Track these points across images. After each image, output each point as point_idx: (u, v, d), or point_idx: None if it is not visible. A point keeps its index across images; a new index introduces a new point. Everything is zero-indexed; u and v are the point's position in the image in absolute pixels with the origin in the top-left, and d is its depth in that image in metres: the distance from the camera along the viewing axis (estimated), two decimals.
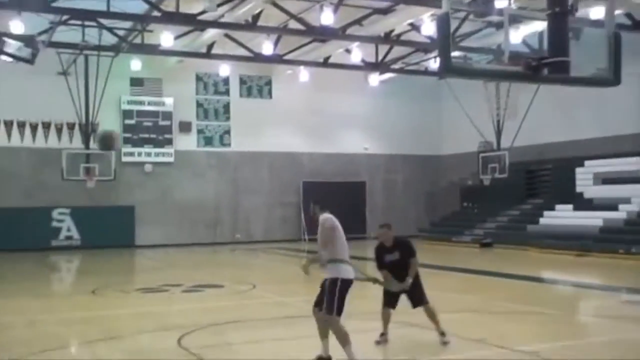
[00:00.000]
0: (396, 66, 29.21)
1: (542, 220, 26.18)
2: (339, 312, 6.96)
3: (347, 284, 7.06)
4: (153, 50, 24.60)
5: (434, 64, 27.78)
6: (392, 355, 8.63)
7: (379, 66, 28.74)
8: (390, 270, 9.09)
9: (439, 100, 34.04)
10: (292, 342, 9.48)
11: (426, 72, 29.62)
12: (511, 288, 15.52)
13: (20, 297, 14.48)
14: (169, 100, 29.79)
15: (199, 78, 30.59)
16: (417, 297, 9.05)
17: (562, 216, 25.44)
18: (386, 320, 9.19)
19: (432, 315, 9.07)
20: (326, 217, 7.57)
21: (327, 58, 27.30)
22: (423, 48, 26.56)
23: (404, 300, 9.18)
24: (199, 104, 30.63)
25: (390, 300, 9.12)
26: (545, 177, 29.19)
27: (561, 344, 9.25)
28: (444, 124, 34.57)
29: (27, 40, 20.63)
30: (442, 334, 9.01)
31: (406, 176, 34.37)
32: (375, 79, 31.41)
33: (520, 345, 8.83)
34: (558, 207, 26.19)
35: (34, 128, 27.54)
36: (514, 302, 12.79)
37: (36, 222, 26.89)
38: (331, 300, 6.88)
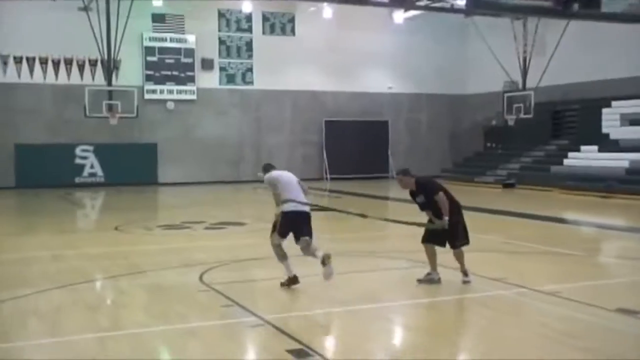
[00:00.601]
0: (422, 3, 28.61)
1: (566, 162, 25.88)
2: (280, 233, 8.89)
3: (288, 215, 8.88)
4: None
5: (460, 0, 27.12)
6: (411, 294, 8.64)
7: (404, 3, 28.19)
8: (428, 211, 9.17)
9: (464, 39, 33.43)
10: (311, 279, 9.52)
11: (452, 10, 28.96)
12: (533, 228, 15.46)
13: (44, 232, 14.69)
14: (191, 38, 29.53)
15: (221, 15, 30.21)
16: (448, 239, 9.00)
17: (587, 157, 25.12)
18: (429, 258, 9.13)
19: (458, 256, 9.06)
20: (266, 177, 9.39)
21: None
22: None
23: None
24: (221, 41, 30.32)
25: (428, 237, 9.13)
26: (571, 117, 28.74)
27: (582, 284, 9.20)
28: (468, 63, 33.98)
29: None
30: (465, 273, 9.01)
31: (430, 116, 34.05)
32: (400, 16, 30.85)
33: (540, 285, 8.80)
34: (583, 148, 25.83)
35: (56, 64, 27.51)
36: (535, 243, 12.73)
37: (60, 158, 27.14)
38: (278, 225, 8.91)
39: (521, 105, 26.89)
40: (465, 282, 8.95)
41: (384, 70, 32.93)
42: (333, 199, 23.72)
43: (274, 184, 9.19)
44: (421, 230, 9.30)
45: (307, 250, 8.88)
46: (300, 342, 6.42)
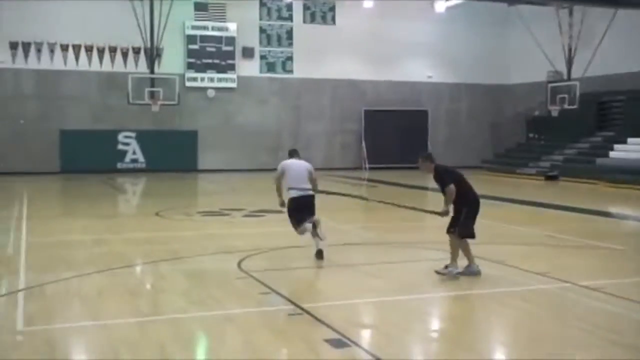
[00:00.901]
0: None
1: (612, 154, 25.39)
2: (297, 223, 10.04)
3: (293, 201, 10.06)
4: None
5: None
6: (449, 286, 8.56)
7: None
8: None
9: (506, 28, 32.95)
10: (350, 268, 9.52)
11: None
12: (578, 222, 15.19)
13: (87, 217, 14.92)
14: (232, 26, 29.64)
15: (262, 3, 30.25)
16: (449, 224, 8.90)
17: (634, 150, 24.58)
18: (451, 248, 8.92)
19: (451, 244, 8.87)
20: (280, 164, 10.54)
21: None
22: None
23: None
24: (262, 30, 30.37)
25: (448, 227, 8.97)
26: (618, 109, 28.15)
27: (628, 281, 9.00)
28: (511, 53, 33.47)
29: None
30: (446, 266, 8.81)
31: (470, 106, 33.68)
32: (441, 5, 30.56)
33: (584, 280, 8.64)
34: (630, 140, 25.29)
35: (100, 52, 27.89)
36: (580, 237, 12.50)
37: (103, 144, 27.56)
38: (290, 216, 10.14)
39: (565, 95, 26.42)
40: (438, 273, 8.76)
41: (424, 59, 32.65)
42: (370, 188, 23.67)
43: (282, 171, 10.28)
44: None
45: (316, 227, 9.83)
46: (337, 332, 6.41)
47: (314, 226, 9.80)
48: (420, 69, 32.59)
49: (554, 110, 27.37)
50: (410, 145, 31.73)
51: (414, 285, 8.58)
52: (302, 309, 7.19)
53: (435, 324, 7.22)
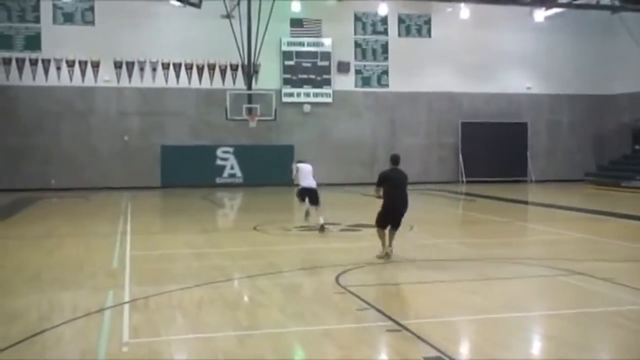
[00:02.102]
0: (564, 0, 27.46)
1: None
2: (301, 198, 15.50)
3: (300, 190, 15.36)
4: None
5: None
6: (553, 305, 8.24)
7: (546, 1, 27.17)
8: None
9: (609, 36, 31.75)
10: (449, 285, 9.32)
11: (597, 6, 27.68)
12: None
13: (188, 231, 15.29)
14: (327, 41, 29.89)
15: (357, 18, 30.38)
16: None
17: None
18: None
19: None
20: (298, 164, 15.75)
21: None
22: None
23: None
24: (357, 44, 30.49)
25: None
26: None
27: None
28: (614, 61, 32.19)
29: None
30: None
31: (572, 117, 32.59)
32: (540, 14, 29.79)
33: None
34: None
35: (200, 69, 28.70)
36: None
37: (202, 159, 28.25)
38: (298, 195, 15.47)
39: None
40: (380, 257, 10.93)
41: (522, 70, 31.88)
42: (468, 202, 23.23)
43: (298, 170, 15.52)
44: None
45: (317, 213, 14.87)
46: (438, 350, 6.27)
47: (322, 228, 14.43)
48: (518, 80, 31.83)
49: None
50: (509, 158, 31.10)
51: (515, 303, 8.31)
52: (400, 325, 7.08)
53: (538, 344, 6.95)
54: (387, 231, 11.12)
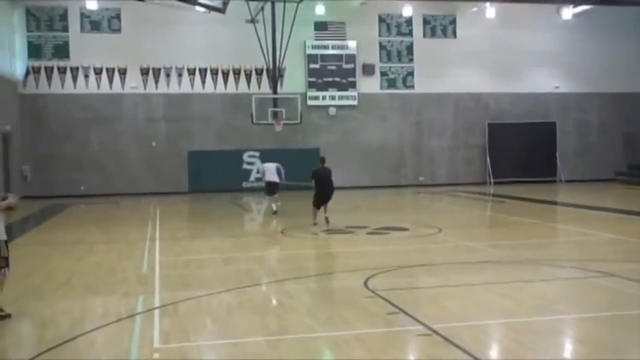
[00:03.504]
0: None
1: None
2: (265, 191, 19.63)
3: (265, 183, 19.44)
4: None
5: None
6: (587, 307, 8.12)
7: None
8: None
9: (639, 32, 31.28)
10: (480, 288, 9.22)
11: (627, 2, 27.24)
12: None
13: (216, 236, 15.35)
14: (352, 44, 29.86)
15: (381, 20, 30.32)
16: None
17: None
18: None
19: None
20: (261, 167, 20.16)
21: None
22: None
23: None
24: (381, 46, 30.42)
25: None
26: None
27: None
28: None
29: None
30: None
31: (602, 116, 32.16)
32: (568, 12, 29.52)
33: None
34: None
35: (225, 74, 28.83)
36: None
37: (228, 164, 28.34)
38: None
39: None
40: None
41: (550, 69, 31.54)
42: (496, 204, 23.03)
43: (264, 169, 19.81)
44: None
45: (276, 201, 18.95)
46: (469, 354, 6.20)
47: (275, 212, 18.94)
48: (546, 80, 31.51)
49: None
50: (537, 158, 30.79)
51: (547, 305, 8.19)
52: (431, 329, 7.02)
53: (571, 347, 6.84)
54: (321, 209, 16.41)
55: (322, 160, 17.74)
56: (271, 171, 19.40)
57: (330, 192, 16.59)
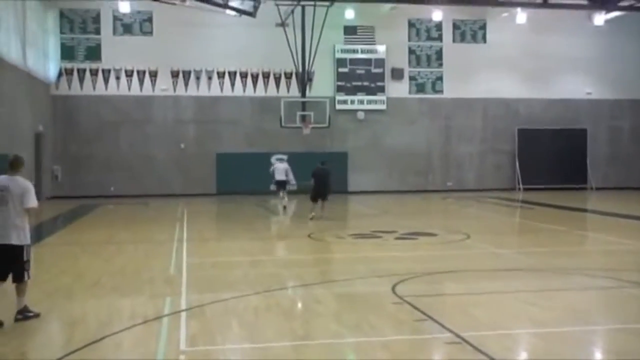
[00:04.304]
0: (625, 3, 26.82)
1: None
2: (275, 187, 22.74)
3: (274, 182, 22.17)
4: None
5: None
6: (620, 318, 7.96)
7: (605, 4, 26.58)
8: None
9: None
10: (509, 296, 9.11)
11: None
12: None
13: (244, 239, 15.37)
14: (381, 48, 29.80)
15: (411, 24, 30.23)
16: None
17: None
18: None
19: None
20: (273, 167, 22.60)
21: None
22: None
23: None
24: (411, 51, 30.32)
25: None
26: None
27: None
28: None
29: None
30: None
31: (634, 123, 31.73)
32: (600, 18, 29.14)
33: None
34: None
35: (254, 78, 28.93)
36: None
37: (257, 167, 28.32)
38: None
39: None
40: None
41: (581, 75, 31.19)
42: (525, 210, 22.79)
43: (274, 169, 22.12)
44: None
45: (283, 198, 21.37)
46: None
47: (285, 208, 21.35)
48: (577, 86, 31.15)
49: None
50: (567, 165, 30.45)
51: (579, 315, 8.06)
52: (460, 337, 6.92)
53: (603, 359, 6.71)
54: (319, 203, 18.76)
55: (322, 162, 19.71)
56: (280, 171, 21.73)
57: (325, 190, 18.83)
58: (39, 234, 17.36)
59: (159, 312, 8.23)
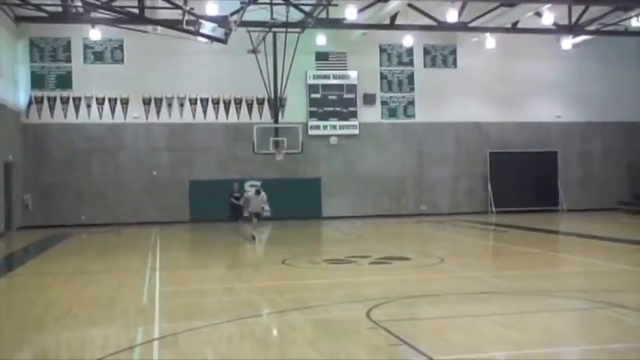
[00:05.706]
0: (592, 27, 27.33)
1: None
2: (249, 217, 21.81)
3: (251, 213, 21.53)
4: (338, 24, 24.89)
5: (636, 22, 25.63)
6: (595, 339, 7.99)
7: (572, 28, 27.14)
8: None
9: None
10: (484, 319, 9.10)
11: (627, 32, 27.45)
12: None
13: (217, 266, 15.25)
14: (353, 74, 29.99)
15: (382, 50, 30.48)
16: None
17: None
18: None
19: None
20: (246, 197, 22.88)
21: (516, 23, 26.15)
22: (622, 6, 24.65)
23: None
24: (382, 76, 30.54)
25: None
26: None
27: None
28: None
29: (221, 20, 21.61)
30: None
31: (604, 145, 32.15)
32: (568, 42, 29.63)
33: None
34: None
35: (227, 104, 28.92)
36: None
37: (230, 193, 28.20)
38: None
39: None
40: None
41: (551, 98, 31.62)
42: (499, 233, 22.92)
43: (247, 197, 22.68)
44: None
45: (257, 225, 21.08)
46: None
47: (253, 237, 20.29)
48: (547, 109, 31.57)
49: None
50: (539, 187, 30.75)
51: (554, 337, 8.07)
52: None
53: None
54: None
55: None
56: (256, 204, 21.66)
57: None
58: (9, 264, 17.08)
59: (131, 342, 8.10)
